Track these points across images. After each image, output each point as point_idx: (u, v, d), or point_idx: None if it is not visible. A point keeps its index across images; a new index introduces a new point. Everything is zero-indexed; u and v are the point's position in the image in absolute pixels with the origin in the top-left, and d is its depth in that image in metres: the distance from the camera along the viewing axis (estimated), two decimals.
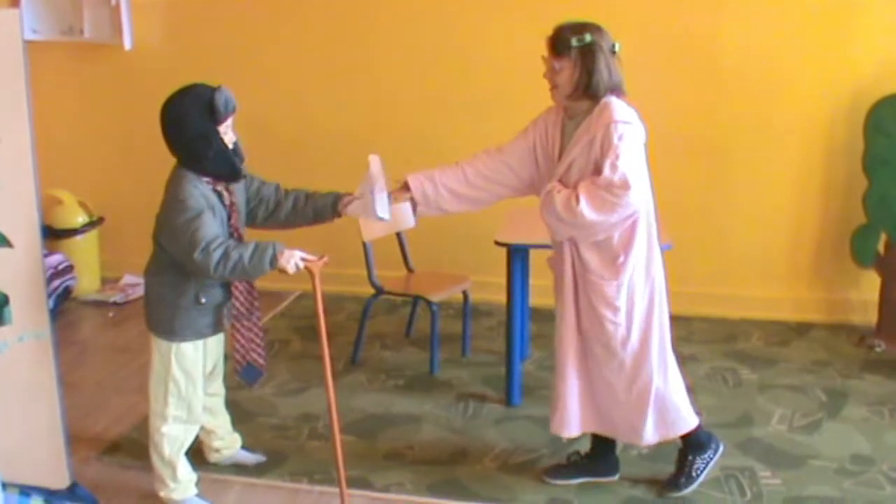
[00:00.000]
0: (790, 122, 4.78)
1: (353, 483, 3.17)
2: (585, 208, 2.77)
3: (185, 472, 3.09)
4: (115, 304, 5.33)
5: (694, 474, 3.15)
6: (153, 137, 2.84)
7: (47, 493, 2.99)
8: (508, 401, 3.90)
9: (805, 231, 4.91)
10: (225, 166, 2.83)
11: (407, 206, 4.41)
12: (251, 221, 3.08)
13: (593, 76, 2.79)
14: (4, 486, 2.87)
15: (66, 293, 5.21)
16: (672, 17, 4.75)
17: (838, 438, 3.57)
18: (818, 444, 3.52)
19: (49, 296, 3.00)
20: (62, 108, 5.60)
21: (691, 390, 3.18)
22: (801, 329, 4.83)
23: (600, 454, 3.27)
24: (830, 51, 4.66)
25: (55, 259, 5.10)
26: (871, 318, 4.69)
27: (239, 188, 2.97)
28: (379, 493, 3.19)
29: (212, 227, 2.75)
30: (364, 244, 4.20)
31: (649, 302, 2.96)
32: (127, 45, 5.44)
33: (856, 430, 3.64)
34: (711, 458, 3.17)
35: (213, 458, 3.34)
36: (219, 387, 3.26)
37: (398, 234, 4.47)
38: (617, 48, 2.84)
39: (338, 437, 2.96)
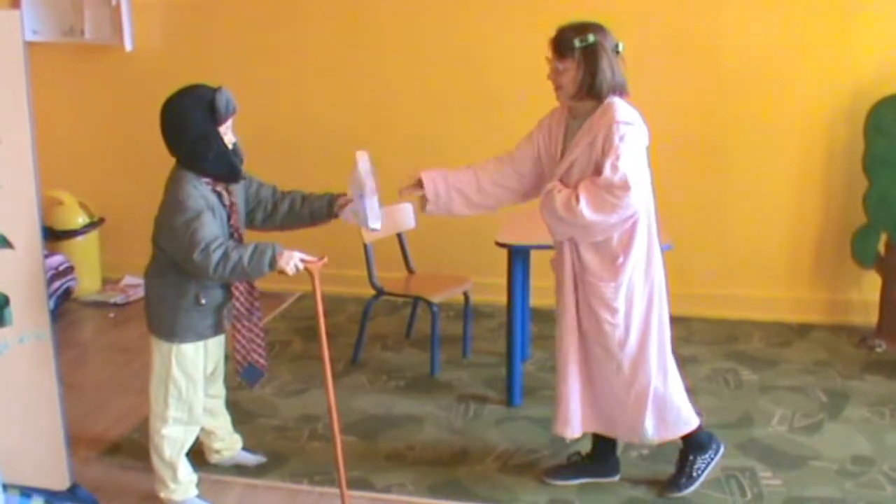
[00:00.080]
0: (790, 122, 4.78)
1: (354, 484, 3.17)
2: (585, 208, 2.77)
3: (186, 473, 3.09)
4: (115, 304, 5.33)
5: (694, 475, 3.15)
6: (154, 138, 2.84)
7: (48, 494, 2.99)
8: (509, 402, 3.90)
9: (805, 231, 4.91)
10: (225, 167, 2.84)
11: (408, 206, 4.46)
12: (250, 224, 3.09)
13: (596, 77, 2.79)
14: (5, 487, 2.87)
15: (66, 294, 5.21)
16: (672, 17, 4.75)
17: (839, 439, 3.57)
18: (819, 445, 3.52)
19: (49, 297, 3.01)
20: (63, 109, 5.60)
21: (690, 391, 3.18)
22: (802, 330, 4.82)
23: (601, 455, 3.27)
24: (831, 51, 4.66)
25: (56, 260, 5.10)
26: (871, 318, 4.69)
27: (238, 189, 2.97)
28: (379, 494, 3.19)
29: (211, 227, 2.75)
30: (365, 245, 4.21)
31: (648, 304, 2.96)
32: (128, 46, 5.44)
33: (856, 430, 3.64)
34: (712, 459, 3.17)
35: (213, 459, 3.34)
36: (219, 388, 3.26)
37: (399, 235, 4.47)
38: (620, 48, 2.84)
39: (338, 437, 2.97)
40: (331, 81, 5.28)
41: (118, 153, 5.63)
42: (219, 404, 3.28)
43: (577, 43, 2.78)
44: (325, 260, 2.90)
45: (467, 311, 4.51)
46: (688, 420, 3.08)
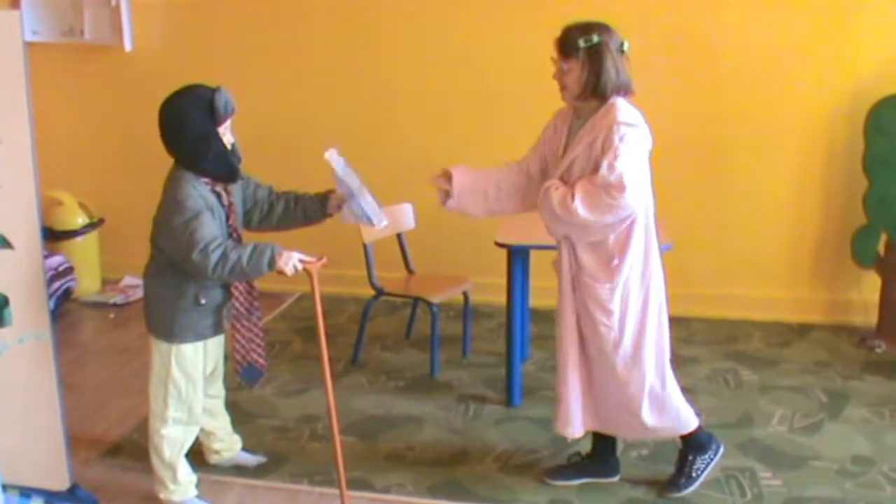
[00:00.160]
0: (790, 122, 4.78)
1: (354, 484, 3.17)
2: (580, 206, 2.78)
3: (185, 474, 3.08)
4: (115, 305, 5.33)
5: (694, 475, 3.15)
6: (154, 139, 2.84)
7: (48, 495, 2.99)
8: (509, 402, 3.90)
9: (805, 231, 4.91)
10: (224, 167, 2.84)
11: (407, 206, 4.47)
12: (246, 224, 3.08)
13: (601, 77, 2.79)
14: (5, 487, 2.87)
15: (66, 294, 5.21)
16: (672, 17, 4.75)
17: (839, 439, 3.57)
18: (819, 445, 3.52)
19: (49, 297, 3.00)
20: (62, 109, 5.60)
21: (691, 391, 3.18)
22: (802, 330, 4.82)
23: (601, 455, 3.27)
24: (831, 51, 4.66)
25: (55, 260, 5.10)
26: (871, 318, 4.69)
27: (236, 189, 2.97)
28: (379, 495, 3.19)
29: (210, 227, 2.75)
30: (364, 245, 4.21)
31: (643, 306, 2.95)
32: (127, 46, 5.44)
33: (856, 430, 3.64)
34: (712, 459, 3.17)
35: (213, 459, 3.34)
36: (219, 389, 3.26)
37: (398, 236, 4.47)
38: (626, 47, 2.84)
39: (338, 438, 2.96)
40: (331, 81, 5.28)
41: (118, 153, 5.63)
42: (218, 405, 3.28)
43: (581, 43, 2.79)
44: (324, 260, 2.90)
45: (467, 312, 4.51)
46: (687, 420, 3.08)
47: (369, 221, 2.99)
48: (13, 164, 2.80)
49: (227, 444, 3.35)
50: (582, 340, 3.04)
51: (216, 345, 3.10)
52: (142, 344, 3.30)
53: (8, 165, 2.79)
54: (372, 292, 4.30)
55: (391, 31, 5.16)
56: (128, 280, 5.55)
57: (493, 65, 5.01)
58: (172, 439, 3.01)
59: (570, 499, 3.15)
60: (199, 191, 2.79)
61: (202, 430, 3.19)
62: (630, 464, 3.34)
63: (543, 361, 4.33)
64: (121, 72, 5.51)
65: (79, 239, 5.43)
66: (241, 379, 3.12)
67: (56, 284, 5.03)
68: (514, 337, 3.83)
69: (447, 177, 3.09)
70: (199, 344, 2.97)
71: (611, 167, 2.74)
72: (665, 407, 3.03)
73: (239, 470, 3.34)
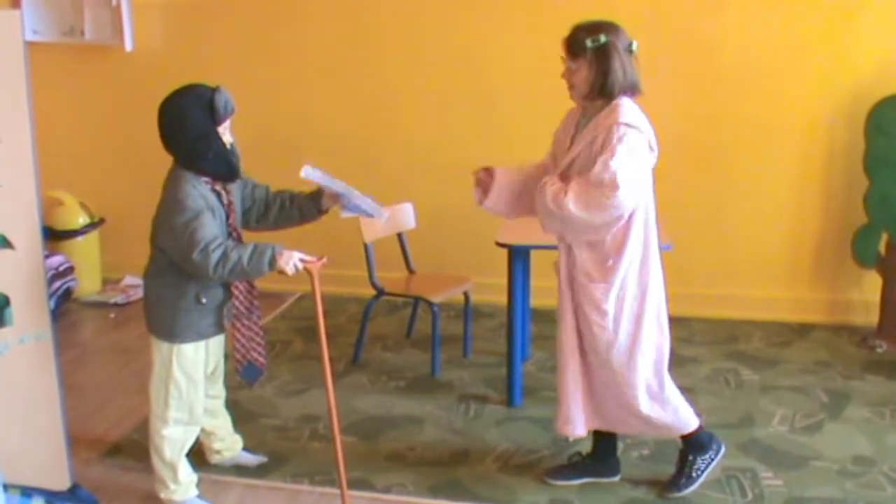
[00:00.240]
0: (790, 122, 4.78)
1: (355, 484, 3.17)
2: (572, 203, 2.79)
3: (186, 474, 3.08)
4: (116, 305, 5.34)
5: (694, 475, 3.14)
6: (154, 138, 2.84)
7: (49, 495, 2.99)
8: (509, 402, 3.90)
9: (806, 231, 4.91)
10: (224, 166, 2.84)
11: (408, 206, 4.47)
12: (245, 224, 3.08)
13: (608, 77, 2.80)
14: (6, 487, 2.87)
15: (66, 294, 5.22)
16: (672, 18, 4.75)
17: (840, 439, 3.56)
18: (820, 445, 3.51)
19: (50, 297, 3.00)
20: (63, 109, 5.61)
21: (691, 391, 3.18)
22: (803, 330, 4.82)
23: (601, 455, 3.27)
24: (831, 51, 4.66)
25: (56, 260, 5.10)
26: (872, 318, 4.69)
27: (235, 188, 2.98)
28: (380, 494, 3.19)
29: (211, 227, 2.75)
30: (365, 245, 4.21)
31: (640, 307, 2.94)
32: (128, 46, 5.44)
33: (857, 430, 3.64)
34: (713, 459, 3.17)
35: (213, 459, 3.34)
36: (219, 389, 3.26)
37: (399, 235, 4.47)
38: (634, 47, 2.84)
39: (339, 438, 2.96)
40: (331, 81, 5.28)
41: (118, 153, 5.63)
42: (219, 405, 3.28)
43: (589, 43, 2.79)
44: (325, 260, 2.90)
45: (468, 311, 4.51)
46: (686, 420, 3.08)
47: (369, 216, 3.00)
48: (14, 164, 2.80)
49: (228, 444, 3.35)
50: (581, 340, 3.04)
51: (217, 344, 3.10)
52: (142, 344, 3.30)
53: (8, 165, 2.78)
54: (373, 292, 4.30)
55: (391, 31, 5.16)
56: (128, 280, 5.55)
57: (493, 65, 5.01)
58: (173, 439, 3.01)
59: (571, 499, 3.15)
60: (199, 190, 2.79)
61: (203, 430, 3.19)
62: (631, 464, 3.34)
63: (544, 361, 4.33)
64: (121, 72, 5.52)
65: (79, 239, 5.43)
66: (240, 377, 3.12)
67: (57, 284, 5.03)
68: (514, 337, 3.82)
69: (489, 175, 3.07)
70: (201, 343, 2.97)
71: (605, 165, 2.75)
72: (664, 405, 3.03)
73: (240, 470, 3.34)
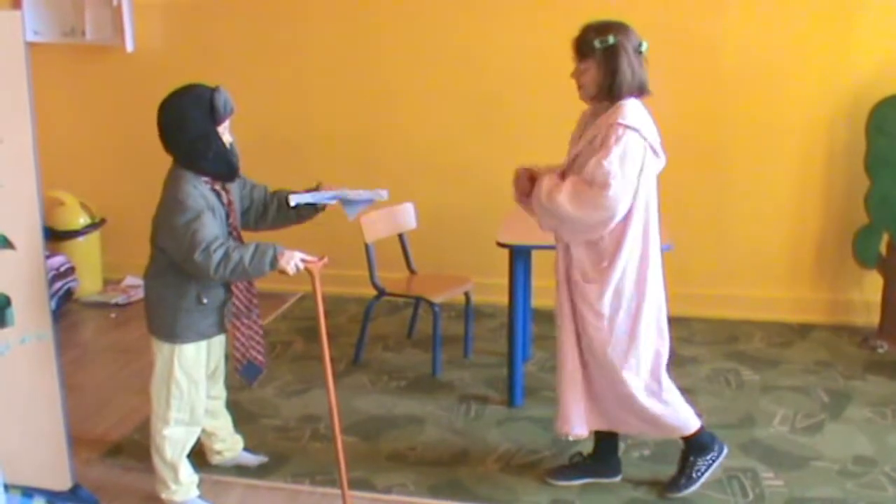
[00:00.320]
0: (790, 122, 4.78)
1: (355, 484, 3.17)
2: (563, 199, 2.80)
3: (187, 474, 3.09)
4: (117, 305, 5.34)
5: (695, 475, 3.14)
6: (155, 139, 2.84)
7: (49, 495, 2.99)
8: (510, 402, 3.90)
9: (807, 231, 4.91)
10: (223, 166, 2.84)
11: (409, 206, 4.47)
12: (244, 225, 3.08)
13: (616, 77, 2.80)
14: (7, 487, 2.87)
15: (67, 295, 5.22)
16: (673, 18, 4.75)
17: (841, 439, 3.56)
18: (820, 446, 3.51)
19: (51, 297, 3.01)
20: (64, 109, 5.61)
21: (691, 392, 3.17)
22: (803, 330, 4.82)
23: (603, 455, 3.27)
24: (831, 51, 4.66)
25: (57, 261, 5.10)
26: (873, 318, 4.69)
27: (234, 188, 2.98)
28: (381, 495, 3.19)
29: (212, 227, 2.75)
30: (366, 245, 4.21)
31: (637, 309, 2.93)
32: (129, 46, 5.44)
33: (858, 431, 3.64)
34: (714, 460, 3.16)
35: (214, 459, 3.34)
36: (220, 389, 3.26)
37: (400, 236, 4.47)
38: (643, 48, 2.85)
39: (339, 438, 2.97)
40: (331, 81, 5.28)
41: (119, 154, 5.63)
42: (220, 405, 3.28)
43: (597, 44, 2.80)
44: (326, 260, 2.91)
45: (469, 312, 4.50)
46: (686, 420, 3.08)
47: (370, 201, 3.03)
48: (14, 164, 2.80)
49: (229, 445, 3.35)
50: (580, 340, 3.04)
51: (218, 344, 3.10)
52: (143, 344, 3.30)
53: (9, 165, 2.79)
54: (373, 292, 4.30)
55: (391, 31, 5.15)
56: (129, 280, 5.55)
57: (493, 65, 5.01)
58: (174, 440, 3.01)
59: (572, 499, 3.15)
60: (199, 190, 2.80)
61: (204, 430, 3.19)
62: (632, 464, 3.34)
63: (545, 361, 4.33)
64: (122, 72, 5.52)
65: (80, 239, 5.43)
66: (240, 376, 3.12)
67: (57, 284, 5.03)
68: (515, 337, 3.82)
69: (532, 176, 3.03)
70: (202, 344, 2.97)
71: (598, 164, 2.76)
72: (664, 405, 3.03)
73: (240, 470, 3.34)
